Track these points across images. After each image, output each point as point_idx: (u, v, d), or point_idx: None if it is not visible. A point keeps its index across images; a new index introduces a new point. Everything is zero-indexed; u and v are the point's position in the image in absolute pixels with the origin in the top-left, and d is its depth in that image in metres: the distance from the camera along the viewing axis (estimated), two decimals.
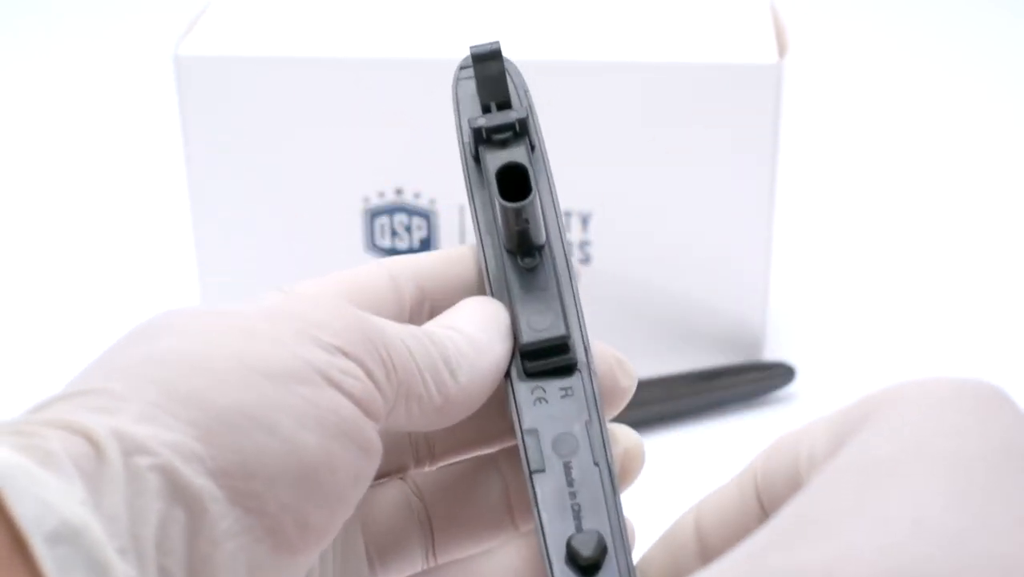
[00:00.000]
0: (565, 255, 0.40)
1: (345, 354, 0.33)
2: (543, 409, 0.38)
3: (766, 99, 0.70)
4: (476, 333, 0.37)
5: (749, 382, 0.74)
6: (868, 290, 0.85)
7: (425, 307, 0.40)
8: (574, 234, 0.73)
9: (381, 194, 0.73)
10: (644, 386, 0.73)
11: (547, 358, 0.39)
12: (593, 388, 0.39)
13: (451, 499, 0.40)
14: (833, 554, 0.25)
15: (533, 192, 0.38)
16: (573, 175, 0.72)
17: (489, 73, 0.41)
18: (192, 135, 0.73)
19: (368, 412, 0.33)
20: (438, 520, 0.40)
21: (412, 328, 0.36)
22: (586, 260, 0.74)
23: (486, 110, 0.41)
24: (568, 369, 0.39)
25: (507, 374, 0.39)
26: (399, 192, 0.73)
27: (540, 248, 0.40)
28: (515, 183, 0.39)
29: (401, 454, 0.40)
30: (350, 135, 0.72)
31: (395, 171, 0.73)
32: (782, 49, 0.70)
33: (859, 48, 1.15)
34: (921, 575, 0.25)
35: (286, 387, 0.32)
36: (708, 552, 0.36)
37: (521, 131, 0.41)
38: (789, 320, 0.80)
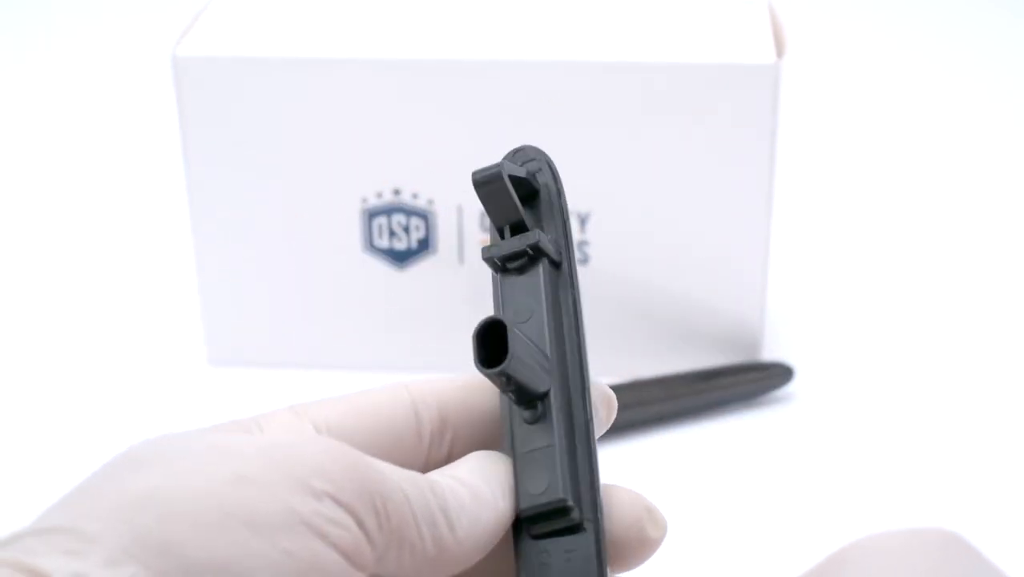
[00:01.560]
0: (584, 393, 0.38)
1: (336, 501, 0.32)
2: (546, 574, 0.36)
3: (764, 99, 0.70)
4: (481, 487, 0.36)
5: (748, 382, 0.74)
6: (866, 290, 0.85)
7: (447, 436, 0.39)
8: (573, 234, 0.73)
9: (379, 194, 0.73)
10: (643, 386, 0.73)
11: (548, 522, 0.37)
12: (599, 548, 0.36)
13: None
14: None
15: (509, 355, 0.35)
16: (571, 175, 0.72)
17: (495, 197, 0.38)
18: (190, 136, 0.73)
19: (355, 563, 0.32)
20: None
21: (414, 475, 0.35)
22: (584, 260, 0.74)
23: (500, 233, 0.39)
24: (572, 529, 0.37)
25: (517, 530, 0.37)
26: (397, 192, 0.73)
27: (543, 397, 0.37)
28: (494, 341, 0.36)
29: None
30: (348, 135, 0.72)
31: (393, 171, 0.73)
32: (780, 49, 0.70)
33: (857, 48, 1.15)
34: None
35: (269, 539, 0.31)
36: None
37: (536, 255, 0.38)
38: (787, 320, 0.80)
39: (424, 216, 0.74)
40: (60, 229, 0.92)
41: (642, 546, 0.38)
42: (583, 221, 0.73)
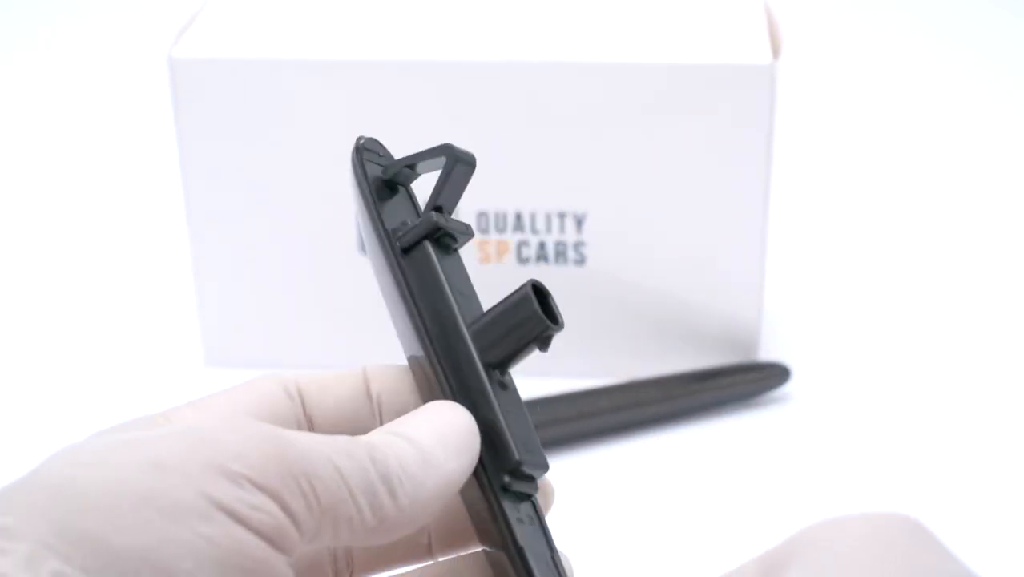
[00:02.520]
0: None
1: (257, 486, 0.31)
2: (523, 530, 0.37)
3: (760, 100, 0.70)
4: (431, 445, 0.35)
5: (744, 383, 0.74)
6: (863, 290, 0.85)
7: (306, 416, 0.39)
8: (569, 235, 0.73)
9: None
10: (639, 387, 0.73)
11: (523, 482, 0.38)
12: (544, 521, 0.38)
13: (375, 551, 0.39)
14: None
15: (560, 320, 0.38)
16: (567, 176, 0.72)
17: (461, 180, 0.40)
18: (187, 137, 0.73)
19: (280, 547, 0.32)
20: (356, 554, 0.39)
21: (348, 444, 0.34)
22: (581, 261, 0.74)
23: (438, 209, 0.40)
24: (526, 497, 0.38)
25: (489, 485, 0.37)
26: None
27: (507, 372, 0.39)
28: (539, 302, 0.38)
29: (320, 568, 0.39)
30: (345, 137, 0.72)
31: None
32: (776, 50, 0.70)
33: (853, 48, 1.15)
34: None
35: (188, 527, 0.30)
36: None
37: (460, 245, 0.41)
38: (784, 320, 0.80)
39: None
40: (56, 231, 0.91)
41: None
42: (579, 221, 0.73)
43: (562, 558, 0.38)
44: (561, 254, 0.74)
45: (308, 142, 0.72)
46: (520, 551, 0.37)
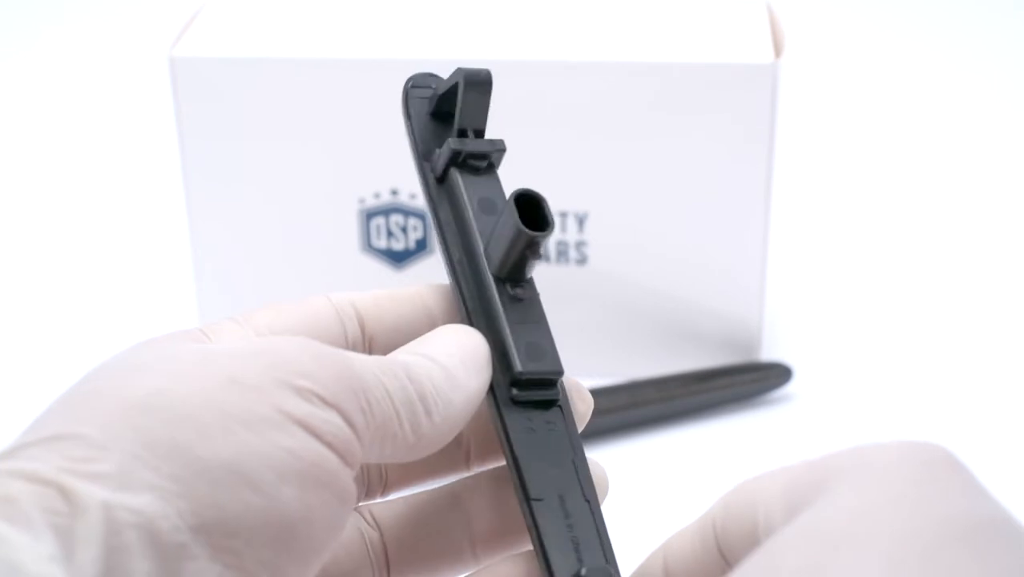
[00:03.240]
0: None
1: (325, 402, 0.33)
2: (534, 439, 0.38)
3: (762, 99, 0.69)
4: (454, 366, 0.37)
5: (746, 383, 0.74)
6: (865, 290, 0.84)
7: (365, 341, 0.39)
8: (571, 235, 0.73)
9: (377, 195, 0.73)
10: (641, 387, 0.73)
11: (536, 390, 0.38)
12: (572, 425, 0.39)
13: (409, 530, 0.40)
14: None
15: (553, 223, 0.38)
16: (568, 175, 0.72)
17: (477, 99, 0.41)
18: (188, 136, 0.73)
19: (346, 460, 0.33)
20: (395, 552, 0.40)
21: (391, 364, 0.35)
22: (582, 260, 0.74)
23: (462, 134, 0.41)
24: (550, 403, 0.39)
25: (494, 398, 0.38)
26: (395, 193, 0.73)
27: (529, 279, 0.40)
28: (528, 212, 0.38)
29: (359, 573, 0.40)
30: (346, 136, 0.72)
31: (390, 172, 0.73)
32: (778, 49, 0.70)
33: (855, 48, 1.15)
34: None
35: (268, 439, 0.31)
36: None
37: (495, 162, 0.41)
38: (786, 320, 0.80)
39: (422, 216, 0.74)
40: (57, 231, 0.91)
41: (576, 419, 0.39)
42: (581, 221, 0.73)
43: (592, 464, 0.39)
44: (562, 253, 0.73)
45: (308, 141, 0.72)
46: (515, 460, 0.37)
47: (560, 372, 0.39)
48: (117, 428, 0.31)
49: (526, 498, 0.37)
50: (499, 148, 0.41)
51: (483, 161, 0.40)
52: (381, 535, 0.40)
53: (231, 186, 0.74)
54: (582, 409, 0.40)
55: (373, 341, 0.40)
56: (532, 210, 0.38)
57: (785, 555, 0.29)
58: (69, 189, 0.96)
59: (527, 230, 0.38)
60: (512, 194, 0.38)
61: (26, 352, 0.80)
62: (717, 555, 0.36)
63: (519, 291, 0.39)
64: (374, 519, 0.40)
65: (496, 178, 0.41)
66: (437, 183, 0.41)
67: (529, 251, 0.38)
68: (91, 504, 0.29)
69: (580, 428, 0.40)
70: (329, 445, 0.32)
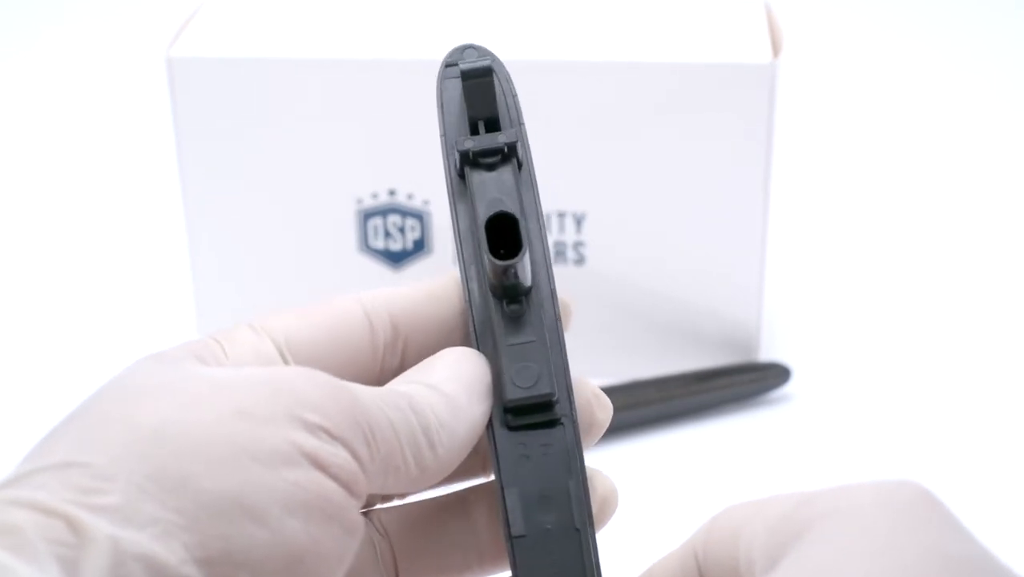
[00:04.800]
0: (552, 293, 0.38)
1: (332, 435, 0.33)
2: (525, 466, 0.37)
3: (760, 99, 0.69)
4: (457, 394, 0.36)
5: (744, 383, 0.74)
6: (863, 290, 0.84)
7: (399, 346, 0.39)
8: (568, 235, 0.73)
9: (374, 195, 0.73)
10: (639, 387, 0.73)
11: (532, 415, 0.37)
12: (576, 442, 0.37)
13: (417, 538, 0.40)
14: None
15: (524, 247, 0.36)
16: (567, 175, 0.72)
17: (479, 91, 0.40)
18: (185, 136, 0.73)
19: (353, 493, 0.33)
20: (403, 559, 0.39)
21: (395, 397, 0.35)
22: (580, 261, 0.73)
23: (473, 127, 0.40)
24: (551, 424, 0.37)
25: (488, 424, 0.37)
26: (392, 193, 0.73)
27: (527, 292, 0.38)
28: (505, 230, 0.37)
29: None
30: (343, 136, 0.72)
31: (388, 172, 0.73)
32: (776, 49, 0.70)
33: (853, 47, 1.15)
34: None
35: (276, 472, 0.31)
36: None
37: (509, 153, 0.39)
38: (784, 320, 0.80)
39: (419, 217, 0.73)
40: (54, 231, 0.91)
41: (591, 428, 0.39)
42: (579, 222, 0.73)
43: (600, 477, 0.38)
44: (560, 254, 0.73)
45: (306, 141, 0.72)
46: (502, 492, 0.36)
47: (550, 395, 0.37)
48: (125, 458, 0.30)
49: (508, 536, 0.36)
50: (507, 140, 0.39)
51: (494, 157, 0.39)
52: (390, 543, 0.39)
53: (228, 186, 0.73)
54: (601, 417, 0.39)
55: (408, 342, 0.39)
56: (505, 231, 0.37)
57: None
58: (66, 189, 0.96)
59: (495, 260, 0.36)
60: (482, 217, 0.37)
61: (24, 353, 0.80)
62: None
63: (515, 308, 0.38)
64: (383, 525, 0.40)
65: (510, 173, 0.39)
66: (459, 178, 0.39)
67: (504, 277, 0.37)
68: (98, 536, 0.29)
69: (596, 437, 0.39)
70: (335, 478, 0.32)
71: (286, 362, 0.37)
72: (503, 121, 0.40)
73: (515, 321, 0.38)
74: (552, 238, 0.73)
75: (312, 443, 0.32)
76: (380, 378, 0.38)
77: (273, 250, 0.75)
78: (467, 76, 0.39)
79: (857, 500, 0.31)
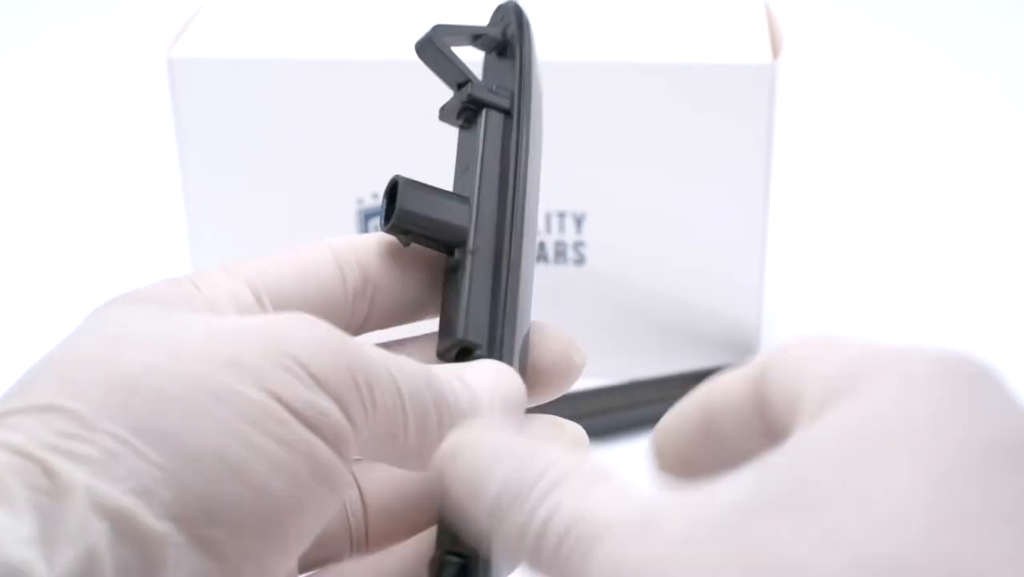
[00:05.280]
0: (512, 233, 0.39)
1: (324, 389, 0.31)
2: None
3: (760, 99, 0.69)
4: (481, 396, 0.35)
5: None
6: (863, 290, 0.84)
7: (368, 292, 0.39)
8: (568, 235, 0.73)
9: (375, 195, 0.73)
10: (639, 387, 0.73)
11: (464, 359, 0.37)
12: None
13: (393, 497, 0.39)
14: (812, 541, 0.25)
15: (396, 210, 0.38)
16: (567, 175, 0.72)
17: (434, 61, 0.41)
18: (186, 137, 0.73)
19: (341, 452, 0.32)
20: (375, 519, 0.39)
21: (413, 365, 0.34)
22: (580, 261, 0.74)
23: (460, 86, 0.41)
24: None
25: None
26: None
27: (460, 244, 0.38)
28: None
29: (338, 541, 0.39)
30: (344, 136, 0.72)
31: (388, 172, 0.72)
32: (776, 49, 0.70)
33: (853, 48, 1.15)
34: (895, 569, 0.24)
35: (262, 429, 0.30)
36: (718, 446, 0.36)
37: (478, 105, 0.40)
38: (784, 320, 0.80)
39: None
40: (55, 231, 0.91)
41: (569, 371, 0.40)
42: (579, 222, 0.73)
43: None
44: (560, 254, 0.73)
45: (307, 142, 0.72)
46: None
47: (458, 341, 0.37)
48: (107, 406, 0.30)
49: None
50: (465, 96, 0.40)
51: (465, 114, 0.40)
52: (364, 503, 0.39)
53: (229, 187, 0.74)
54: (578, 361, 0.40)
55: (377, 289, 0.39)
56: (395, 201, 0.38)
57: (814, 461, 0.27)
58: (67, 190, 0.96)
59: (383, 224, 0.38)
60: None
61: (22, 353, 0.80)
62: (758, 409, 0.34)
63: (451, 260, 0.39)
64: (357, 485, 0.39)
65: (475, 132, 0.40)
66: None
67: (401, 241, 0.38)
68: (75, 486, 0.28)
69: (575, 379, 0.40)
70: (323, 436, 0.31)
71: (262, 306, 0.37)
72: (496, 77, 0.42)
73: (453, 273, 0.38)
74: (552, 238, 0.73)
75: (302, 398, 0.31)
76: (352, 325, 0.38)
77: (273, 250, 0.75)
78: (418, 51, 0.41)
79: (922, 364, 0.30)
